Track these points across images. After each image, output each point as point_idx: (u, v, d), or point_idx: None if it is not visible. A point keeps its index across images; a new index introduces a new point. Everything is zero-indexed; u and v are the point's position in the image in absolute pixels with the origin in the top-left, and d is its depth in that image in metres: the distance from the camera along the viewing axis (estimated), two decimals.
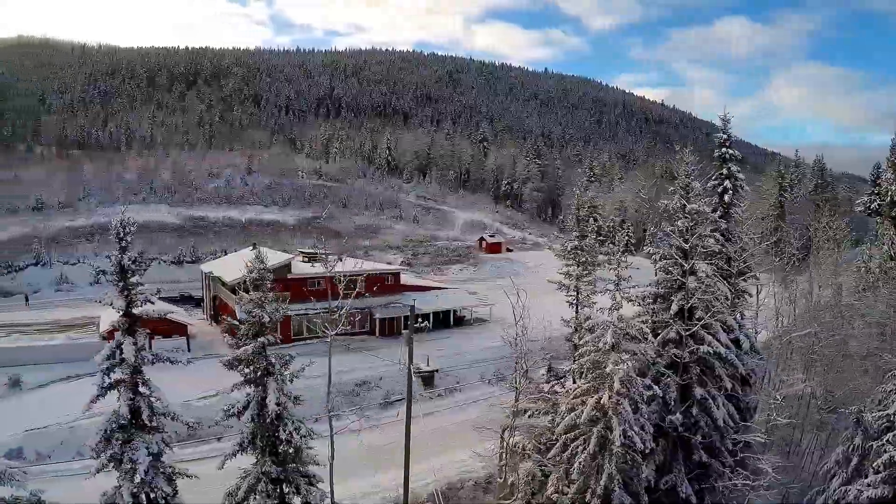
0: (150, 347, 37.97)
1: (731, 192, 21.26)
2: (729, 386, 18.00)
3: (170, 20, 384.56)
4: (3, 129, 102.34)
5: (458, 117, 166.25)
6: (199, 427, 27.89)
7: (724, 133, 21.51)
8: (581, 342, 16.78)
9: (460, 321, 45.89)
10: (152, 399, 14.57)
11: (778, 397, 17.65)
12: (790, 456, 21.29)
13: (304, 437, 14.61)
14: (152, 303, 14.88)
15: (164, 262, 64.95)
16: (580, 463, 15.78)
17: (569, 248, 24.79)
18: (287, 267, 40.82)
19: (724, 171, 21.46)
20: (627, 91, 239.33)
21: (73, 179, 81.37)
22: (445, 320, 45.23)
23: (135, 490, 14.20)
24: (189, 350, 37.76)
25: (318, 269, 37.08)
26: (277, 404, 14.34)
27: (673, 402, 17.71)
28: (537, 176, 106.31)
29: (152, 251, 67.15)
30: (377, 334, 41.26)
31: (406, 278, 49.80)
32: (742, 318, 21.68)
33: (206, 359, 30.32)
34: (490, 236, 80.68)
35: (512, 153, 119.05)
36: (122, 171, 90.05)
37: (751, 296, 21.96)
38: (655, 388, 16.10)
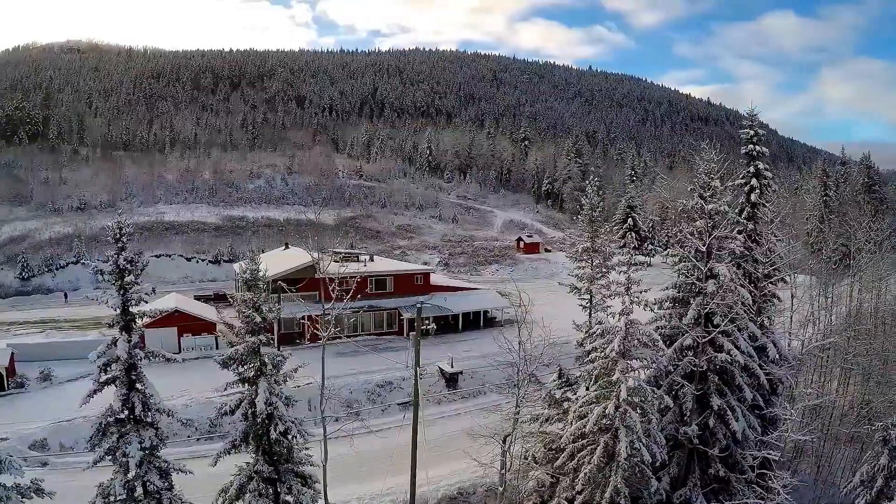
0: (180, 344, 38.60)
1: (757, 191, 20.13)
2: (750, 396, 17.01)
3: (215, 23, 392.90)
4: (51, 131, 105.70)
5: (501, 116, 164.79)
6: (220, 425, 28.39)
7: (750, 129, 20.41)
8: (590, 347, 16.05)
9: (491, 322, 45.23)
10: (147, 395, 14.68)
11: (793, 411, 16.58)
12: (821, 470, 20.10)
13: (296, 437, 14.43)
14: (146, 301, 14.97)
15: (203, 260, 66.15)
16: (585, 474, 15.09)
17: (580, 250, 23.92)
18: (313, 267, 40.88)
19: (751, 169, 20.34)
20: (673, 89, 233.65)
21: (116, 180, 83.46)
22: (476, 321, 44.64)
23: (127, 483, 14.34)
24: (217, 347, 38.21)
25: (347, 269, 37.02)
26: (269, 404, 14.16)
27: (689, 413, 16.83)
28: (578, 175, 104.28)
29: (191, 250, 68.55)
30: (405, 334, 40.97)
31: (437, 278, 49.37)
32: (770, 324, 20.57)
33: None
34: (528, 237, 79.43)
35: (553, 152, 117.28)
36: (164, 172, 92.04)
37: (780, 300, 20.77)
38: (666, 398, 15.29)
